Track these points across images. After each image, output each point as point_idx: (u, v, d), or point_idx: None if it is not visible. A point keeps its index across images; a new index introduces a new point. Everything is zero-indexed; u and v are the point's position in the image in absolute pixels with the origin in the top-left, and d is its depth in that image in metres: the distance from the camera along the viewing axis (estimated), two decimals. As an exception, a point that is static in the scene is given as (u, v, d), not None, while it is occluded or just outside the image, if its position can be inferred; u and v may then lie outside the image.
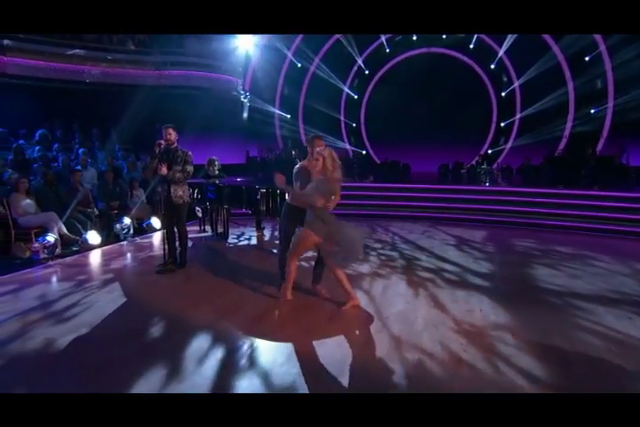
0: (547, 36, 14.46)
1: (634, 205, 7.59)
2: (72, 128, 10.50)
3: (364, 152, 17.89)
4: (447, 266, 5.18)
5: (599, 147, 13.98)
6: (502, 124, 16.50)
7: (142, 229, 7.27)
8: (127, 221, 6.85)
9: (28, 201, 5.83)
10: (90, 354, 2.90)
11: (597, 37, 13.38)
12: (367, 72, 17.38)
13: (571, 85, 14.60)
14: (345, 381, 2.55)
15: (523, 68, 15.23)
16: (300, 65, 16.37)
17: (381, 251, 6.00)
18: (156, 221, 7.33)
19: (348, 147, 17.76)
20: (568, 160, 13.03)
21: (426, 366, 2.75)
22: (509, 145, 16.29)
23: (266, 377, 2.60)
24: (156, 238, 6.79)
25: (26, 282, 4.49)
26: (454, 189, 9.86)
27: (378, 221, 8.40)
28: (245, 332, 3.24)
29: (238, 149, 14.27)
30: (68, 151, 8.80)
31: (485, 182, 11.69)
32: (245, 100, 14.53)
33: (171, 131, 4.76)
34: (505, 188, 9.68)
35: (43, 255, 5.35)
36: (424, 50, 16.83)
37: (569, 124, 14.95)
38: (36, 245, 5.37)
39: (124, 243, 6.46)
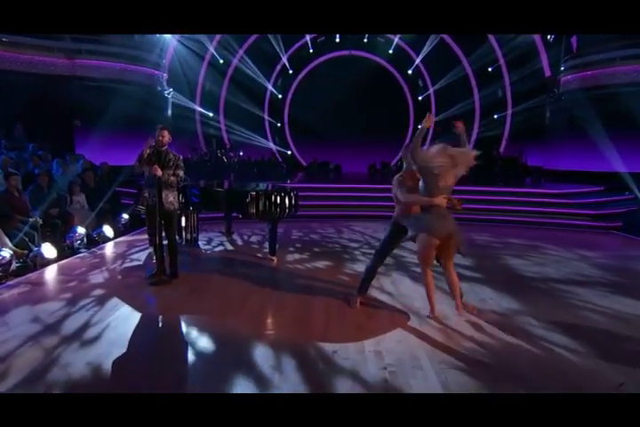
0: (457, 50, 16.17)
1: (554, 200, 9.01)
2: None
3: (289, 152, 18.09)
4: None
5: (502, 149, 16.06)
6: (419, 127, 17.93)
7: (92, 239, 6.61)
8: (81, 230, 6.19)
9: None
10: (144, 373, 2.73)
11: (498, 52, 15.33)
12: (291, 71, 17.59)
13: (477, 94, 16.52)
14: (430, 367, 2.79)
15: (436, 76, 16.81)
16: (222, 61, 15.97)
17: (363, 250, 6.31)
18: (108, 230, 6.72)
19: (272, 146, 17.80)
20: (478, 160, 14.80)
21: (484, 352, 3.10)
22: (426, 147, 17.80)
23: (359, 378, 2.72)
24: (117, 248, 6.26)
25: (1, 304, 3.90)
26: None
27: (338, 222, 8.70)
28: (316, 339, 3.29)
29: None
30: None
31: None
32: (169, 96, 13.78)
33: (165, 132, 4.49)
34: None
35: (-4, 274, 4.64)
36: (346, 52, 17.59)
37: (476, 129, 16.90)
38: (-13, 262, 4.63)
39: (83, 255, 5.84)
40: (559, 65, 13.21)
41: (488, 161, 14.58)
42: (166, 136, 4.50)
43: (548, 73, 14.41)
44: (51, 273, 5.02)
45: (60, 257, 5.54)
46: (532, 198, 9.43)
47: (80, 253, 5.96)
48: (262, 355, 3.01)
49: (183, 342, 3.25)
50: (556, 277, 5.00)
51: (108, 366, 2.83)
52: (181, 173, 4.55)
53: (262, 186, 6.28)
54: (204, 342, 3.23)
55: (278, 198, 5.35)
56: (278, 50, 16.37)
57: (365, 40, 16.89)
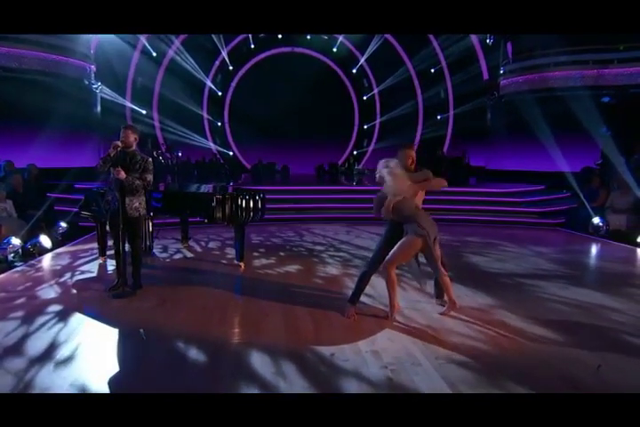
0: (401, 51, 16.96)
1: (502, 199, 9.80)
2: None
3: (231, 153, 17.88)
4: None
5: (445, 149, 17.05)
6: (365, 127, 18.57)
7: (27, 250, 6.16)
8: (15, 241, 5.76)
9: None
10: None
11: (440, 55, 16.29)
12: (231, 68, 17.42)
13: (420, 96, 17.42)
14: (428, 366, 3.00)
15: (381, 76, 17.51)
16: (154, 54, 15.45)
17: (329, 253, 6.48)
18: (45, 240, 6.30)
19: (213, 147, 17.50)
20: (423, 161, 15.63)
21: (474, 345, 3.38)
22: (372, 147, 18.47)
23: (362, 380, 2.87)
24: (60, 260, 5.89)
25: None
26: (360, 190, 10.91)
27: (294, 225, 8.80)
28: (304, 345, 3.37)
29: (93, 149, 12.74)
30: None
31: (363, 183, 13.10)
32: (98, 91, 13.08)
33: (129, 132, 4.35)
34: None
35: None
36: (288, 49, 17.75)
37: (420, 130, 17.81)
38: None
39: (21, 269, 5.44)
40: (498, 68, 14.30)
41: (433, 161, 15.52)
42: (130, 136, 4.36)
43: (486, 76, 15.59)
44: (-14, 291, 4.63)
45: (-7, 273, 5.14)
46: (481, 197, 10.15)
47: (16, 266, 5.55)
48: (260, 362, 3.05)
49: (172, 355, 3.20)
50: (519, 272, 5.49)
51: (95, 386, 2.72)
52: (149, 176, 4.42)
53: (204, 188, 6.25)
54: (194, 354, 3.20)
55: (245, 201, 5.37)
56: (218, 44, 16.12)
57: (309, 37, 17.11)
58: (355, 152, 18.43)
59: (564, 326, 3.73)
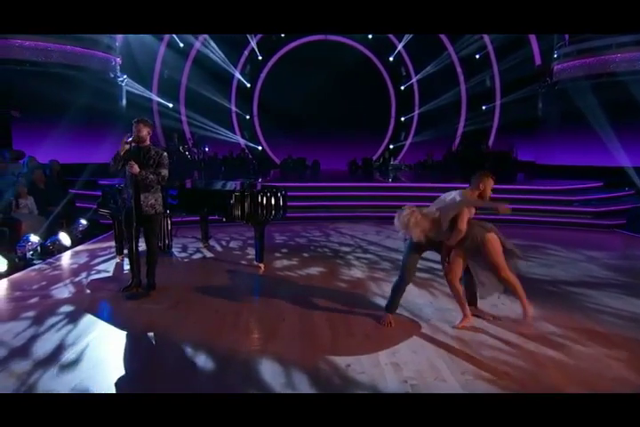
0: (442, 36, 16.56)
1: (551, 197, 9.40)
2: None
3: (259, 148, 18.02)
4: (432, 264, 5.76)
5: (491, 143, 16.57)
6: (402, 119, 18.27)
7: (46, 248, 6.40)
8: (34, 239, 6.00)
9: None
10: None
11: (486, 38, 15.81)
12: (260, 57, 17.53)
13: (463, 84, 16.98)
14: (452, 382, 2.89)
15: (420, 64, 17.17)
16: (182, 45, 15.78)
17: (356, 254, 6.40)
18: (64, 238, 6.54)
19: (241, 141, 17.68)
20: (467, 156, 15.25)
21: (507, 360, 3.23)
22: (409, 141, 18.16)
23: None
24: (78, 258, 6.10)
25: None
26: (396, 187, 10.76)
27: (322, 224, 8.76)
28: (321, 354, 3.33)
29: (117, 144, 13.14)
30: None
31: (400, 179, 12.91)
32: (123, 84, 13.49)
33: (142, 126, 4.43)
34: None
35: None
36: (321, 37, 17.66)
37: (462, 121, 17.37)
38: None
39: (39, 267, 5.66)
40: (552, 52, 13.73)
41: (477, 156, 15.10)
42: (143, 130, 4.44)
43: (539, 61, 15.01)
44: (3, 289, 4.84)
45: (11, 270, 5.36)
46: (528, 195, 9.77)
47: (34, 264, 5.78)
48: (270, 372, 3.03)
49: (179, 361, 3.23)
50: (566, 279, 5.24)
51: (97, 390, 2.78)
52: (164, 171, 4.47)
53: (231, 185, 6.27)
54: (202, 361, 3.21)
55: (265, 199, 5.37)
56: (246, 33, 16.25)
57: (342, 23, 16.99)
58: (391, 146, 18.17)
59: (614, 343, 3.51)
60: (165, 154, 4.56)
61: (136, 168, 4.32)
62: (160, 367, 3.16)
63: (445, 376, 2.99)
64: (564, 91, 12.80)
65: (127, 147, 4.34)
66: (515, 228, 8.56)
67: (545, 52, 14.49)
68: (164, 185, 4.73)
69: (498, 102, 16.53)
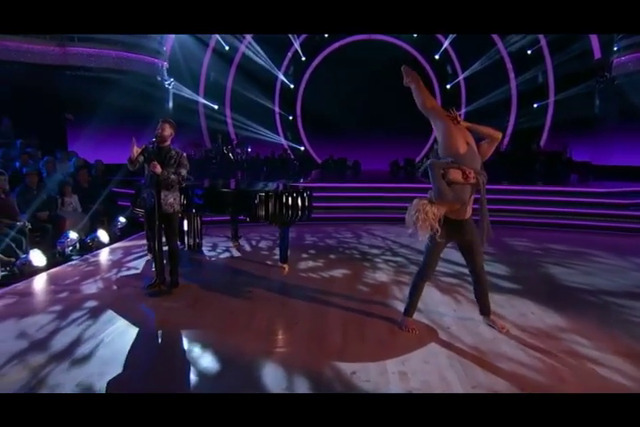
0: (492, 30, 15.94)
1: (604, 200, 8.80)
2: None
3: (302, 148, 18.09)
4: (463, 269, 5.52)
5: (543, 142, 15.78)
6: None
7: (86, 244, 6.69)
8: (73, 235, 6.28)
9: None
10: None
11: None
12: (304, 58, 17.60)
13: (514, 81, 16.26)
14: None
15: (467, 61, 16.62)
16: (227, 48, 16.11)
17: (384, 257, 6.25)
18: (103, 235, 6.80)
19: (284, 142, 17.82)
20: (516, 156, 14.61)
21: (526, 375, 3.01)
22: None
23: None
24: (113, 255, 6.33)
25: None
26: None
27: (355, 225, 8.65)
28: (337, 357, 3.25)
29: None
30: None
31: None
32: (170, 87, 13.94)
33: (167, 126, 4.52)
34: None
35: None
36: (364, 36, 17.50)
37: (512, 120, 16.64)
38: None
39: (75, 262, 5.91)
40: (612, 45, 12.88)
41: (527, 156, 14.43)
42: (167, 130, 4.53)
43: (598, 54, 14.11)
44: (39, 283, 5.08)
45: (49, 265, 5.62)
46: (579, 198, 9.22)
47: (72, 260, 6.04)
48: (272, 376, 2.98)
49: (184, 361, 3.24)
50: (607, 288, 4.85)
51: (99, 387, 2.83)
52: (184, 171, 4.56)
53: (271, 186, 6.28)
54: (206, 362, 3.21)
55: (290, 199, 5.33)
56: (289, 34, 16.37)
57: (387, 22, 16.78)
58: (435, 147, 17.69)
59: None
60: (185, 155, 4.64)
61: (159, 168, 4.41)
62: (164, 367, 3.19)
63: (454, 389, 2.82)
64: (624, 86, 11.98)
65: (139, 149, 4.41)
66: (559, 232, 8.12)
67: (604, 45, 13.60)
68: (189, 185, 4.81)
69: (551, 99, 15.72)
